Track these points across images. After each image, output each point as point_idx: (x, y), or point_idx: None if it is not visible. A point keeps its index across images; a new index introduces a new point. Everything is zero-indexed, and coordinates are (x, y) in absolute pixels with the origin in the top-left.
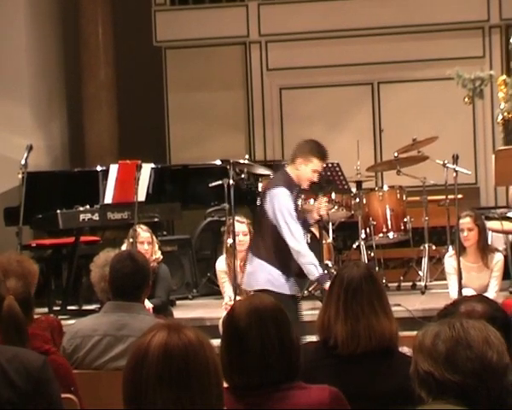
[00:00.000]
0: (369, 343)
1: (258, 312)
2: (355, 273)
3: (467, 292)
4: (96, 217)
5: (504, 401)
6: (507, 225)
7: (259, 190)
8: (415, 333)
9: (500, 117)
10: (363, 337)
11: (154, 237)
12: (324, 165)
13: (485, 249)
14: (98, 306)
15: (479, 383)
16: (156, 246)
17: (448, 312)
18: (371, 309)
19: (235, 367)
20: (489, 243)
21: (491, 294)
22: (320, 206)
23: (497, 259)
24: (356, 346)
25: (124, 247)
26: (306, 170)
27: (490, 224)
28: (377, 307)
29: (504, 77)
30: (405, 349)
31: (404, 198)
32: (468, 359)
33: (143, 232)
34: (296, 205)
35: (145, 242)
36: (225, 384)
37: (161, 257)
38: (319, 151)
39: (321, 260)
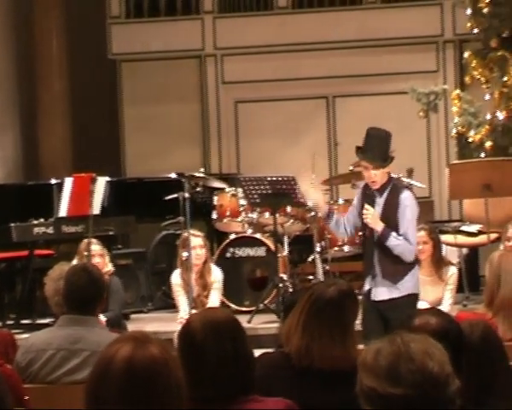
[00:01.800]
0: (321, 364)
1: (213, 325)
2: (325, 294)
3: (421, 305)
4: (50, 230)
5: None
6: (461, 239)
7: (214, 203)
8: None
9: (454, 131)
10: (316, 357)
11: (104, 250)
12: (365, 162)
13: (439, 263)
14: (53, 320)
15: (421, 395)
16: (107, 259)
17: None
18: (329, 334)
19: (190, 381)
20: (443, 256)
21: (445, 307)
22: (365, 214)
23: (452, 272)
24: (309, 362)
25: (75, 261)
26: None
27: (444, 237)
28: (336, 333)
29: (458, 91)
30: None
31: None
32: (409, 371)
33: (94, 245)
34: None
35: (96, 255)
36: None
37: (112, 270)
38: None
39: (276, 273)
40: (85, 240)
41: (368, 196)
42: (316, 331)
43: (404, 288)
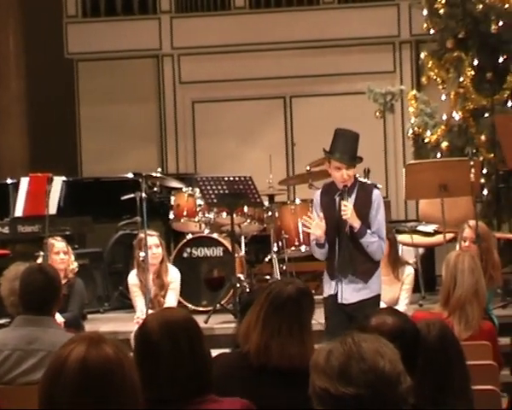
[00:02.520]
0: (279, 362)
1: (170, 325)
2: (284, 291)
3: None
4: (6, 230)
5: (400, 409)
6: (417, 239)
7: (172, 203)
8: None
9: (410, 131)
10: (274, 354)
11: (69, 248)
12: (338, 161)
13: (396, 262)
14: (8, 320)
15: (373, 394)
16: (72, 257)
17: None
18: (288, 331)
19: (146, 381)
20: (400, 256)
21: (402, 307)
22: (344, 210)
23: (408, 272)
24: (267, 360)
25: (39, 261)
26: (331, 171)
27: (400, 237)
28: (295, 330)
29: (414, 92)
30: None
31: None
32: (361, 371)
33: (58, 243)
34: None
35: (61, 251)
36: None
37: (77, 269)
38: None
39: (233, 273)
40: (50, 239)
41: (331, 198)
42: (275, 328)
43: (372, 288)
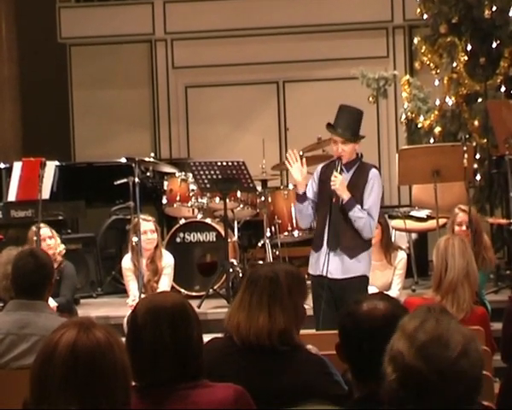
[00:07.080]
0: (267, 339)
1: (154, 310)
2: (261, 272)
3: (370, 290)
4: None
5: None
6: (410, 224)
7: (164, 187)
8: (315, 331)
9: (404, 117)
10: (242, 330)
11: (53, 231)
12: (334, 134)
13: (388, 247)
14: (1, 305)
15: (440, 384)
16: (58, 239)
17: (350, 310)
18: (257, 304)
19: (134, 366)
20: (392, 241)
21: (394, 292)
22: (333, 181)
23: (401, 257)
24: (255, 339)
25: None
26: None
27: (393, 222)
28: (264, 304)
29: (408, 77)
30: (309, 346)
31: None
32: (440, 357)
33: (42, 229)
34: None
35: (46, 237)
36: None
37: (64, 250)
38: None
39: (226, 258)
40: (33, 226)
41: (330, 173)
42: (246, 302)
43: (359, 268)
